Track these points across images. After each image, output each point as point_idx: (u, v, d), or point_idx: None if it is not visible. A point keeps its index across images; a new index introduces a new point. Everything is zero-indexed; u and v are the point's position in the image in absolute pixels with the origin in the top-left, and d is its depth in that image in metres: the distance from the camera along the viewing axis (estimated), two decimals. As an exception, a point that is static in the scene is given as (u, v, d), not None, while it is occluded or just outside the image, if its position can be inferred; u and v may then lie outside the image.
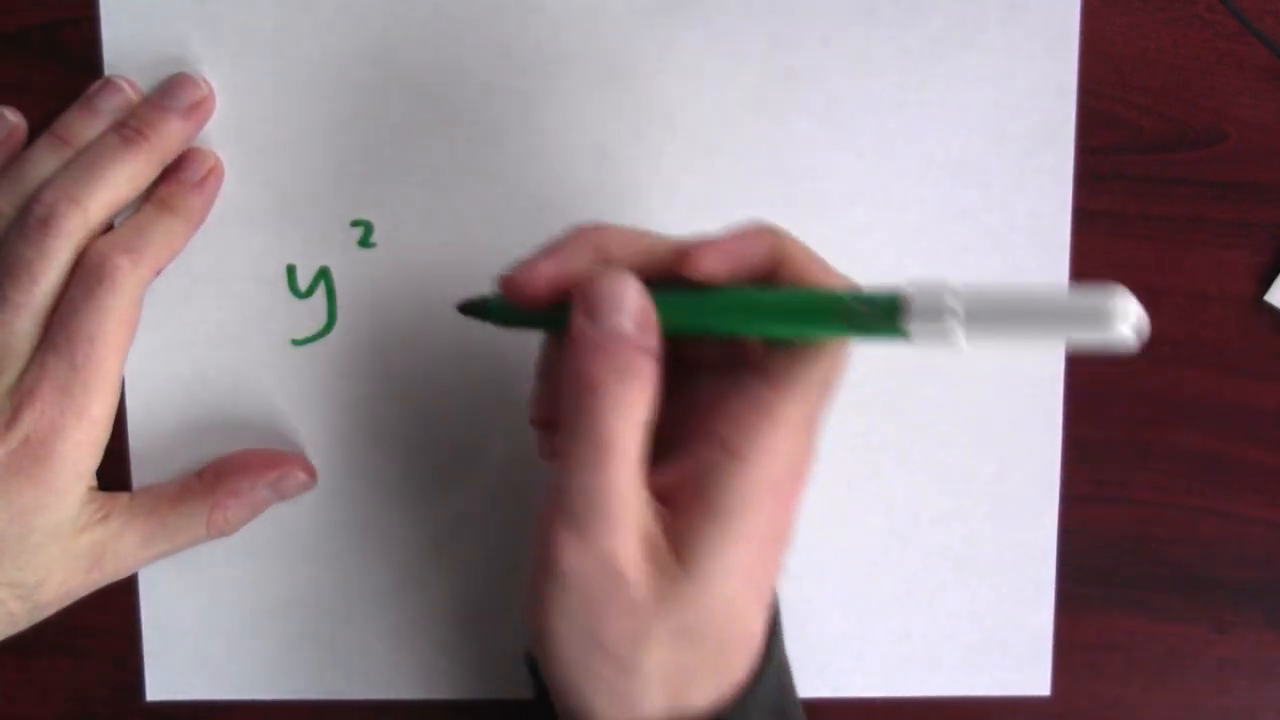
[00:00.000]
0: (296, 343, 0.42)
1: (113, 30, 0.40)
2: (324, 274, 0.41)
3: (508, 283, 0.34)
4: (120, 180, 0.38)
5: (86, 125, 0.39)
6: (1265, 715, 0.44)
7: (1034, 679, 0.43)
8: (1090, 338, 0.27)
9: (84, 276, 0.37)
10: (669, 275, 0.33)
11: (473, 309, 0.37)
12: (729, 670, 0.33)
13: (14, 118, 0.40)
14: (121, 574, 0.40)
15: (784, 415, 0.32)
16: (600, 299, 0.32)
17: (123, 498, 0.40)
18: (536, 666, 0.35)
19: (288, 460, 0.41)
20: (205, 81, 0.40)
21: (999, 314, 0.29)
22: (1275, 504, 0.43)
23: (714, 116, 0.41)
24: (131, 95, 0.40)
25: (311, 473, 0.42)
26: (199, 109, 0.40)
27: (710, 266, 0.32)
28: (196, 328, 0.41)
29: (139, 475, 0.42)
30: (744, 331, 0.33)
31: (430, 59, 0.41)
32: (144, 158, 0.39)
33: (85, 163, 0.38)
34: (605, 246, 0.34)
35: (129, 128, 0.39)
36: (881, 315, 0.30)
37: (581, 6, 0.41)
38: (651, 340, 0.32)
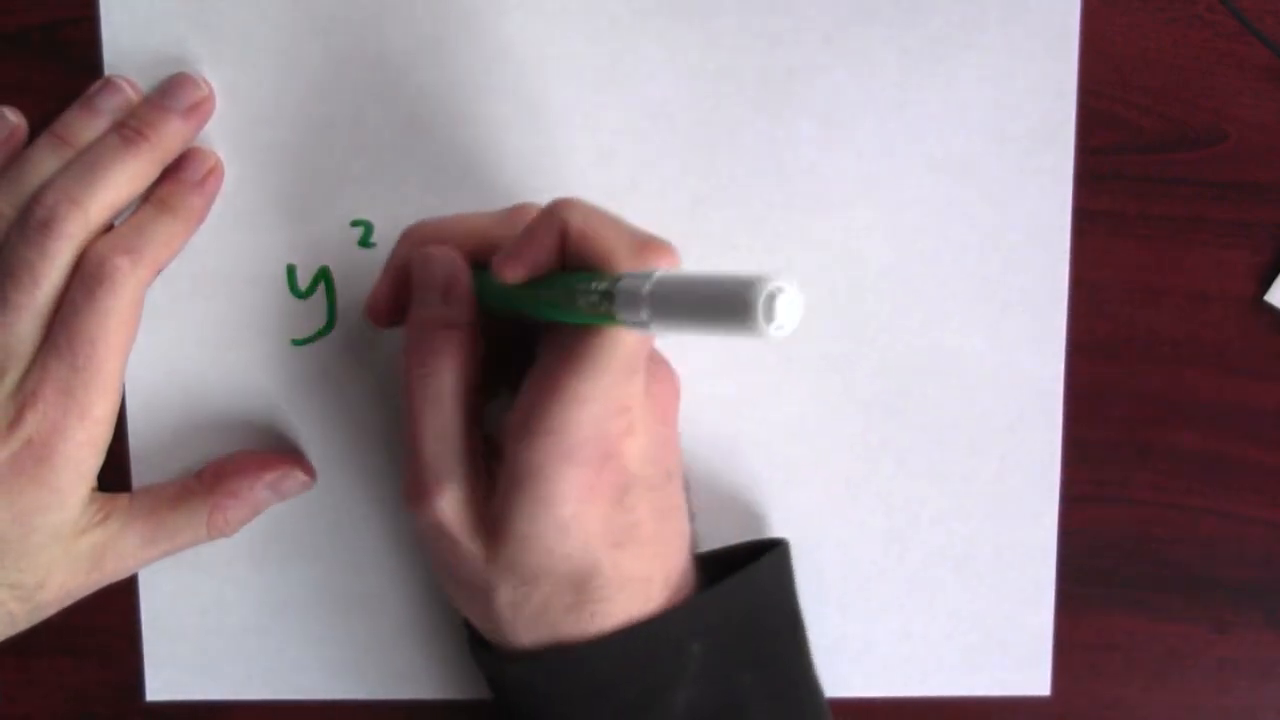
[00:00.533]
0: (296, 343, 0.42)
1: (113, 30, 0.40)
2: (324, 274, 0.41)
3: (366, 313, 0.38)
4: (121, 181, 0.38)
5: (86, 125, 0.39)
6: (1265, 715, 0.44)
7: (1034, 679, 0.43)
8: (741, 332, 0.26)
9: (84, 278, 0.37)
10: (487, 254, 0.35)
11: None
12: (609, 603, 0.35)
13: (14, 118, 0.40)
14: (122, 575, 0.40)
15: (573, 391, 0.33)
16: (416, 280, 0.36)
17: (123, 499, 0.40)
18: (466, 626, 0.39)
19: (287, 461, 0.41)
20: (205, 81, 0.40)
21: (675, 305, 0.28)
22: (1275, 504, 0.43)
23: (714, 116, 0.41)
24: (131, 95, 0.40)
25: (311, 473, 0.42)
26: (199, 109, 0.40)
27: (512, 276, 0.34)
28: (196, 328, 0.41)
29: (139, 475, 0.42)
30: (528, 314, 0.34)
31: (430, 59, 0.41)
32: (144, 158, 0.39)
33: (86, 163, 0.38)
34: (429, 240, 0.36)
35: (129, 128, 0.39)
36: (598, 305, 0.30)
37: (581, 6, 0.41)
38: (454, 312, 0.35)
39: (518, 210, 0.37)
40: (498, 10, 0.41)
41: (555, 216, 0.33)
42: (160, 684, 0.43)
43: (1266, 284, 0.42)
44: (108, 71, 0.40)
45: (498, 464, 0.35)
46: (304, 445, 0.42)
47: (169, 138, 0.39)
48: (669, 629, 0.36)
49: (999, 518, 0.42)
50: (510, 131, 0.41)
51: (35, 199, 0.38)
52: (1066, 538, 0.43)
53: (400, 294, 0.37)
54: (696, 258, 0.41)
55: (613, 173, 0.41)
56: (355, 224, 0.41)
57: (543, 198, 0.41)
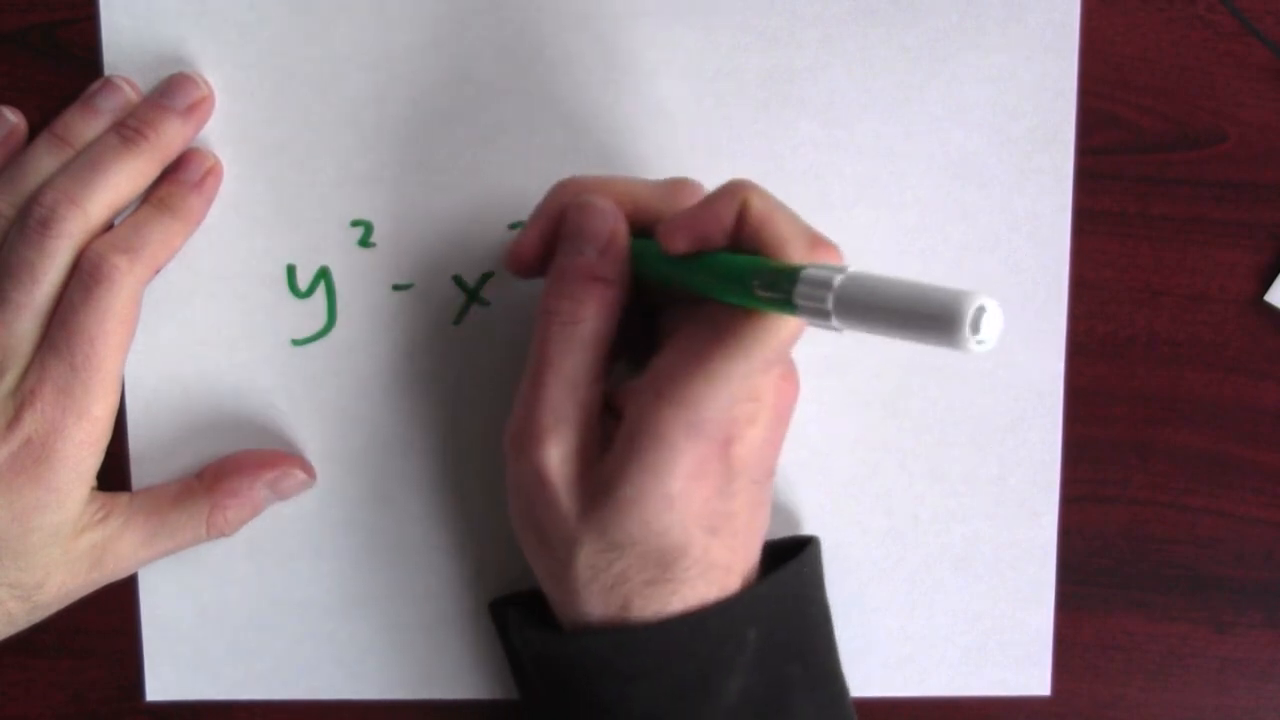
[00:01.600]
0: (296, 343, 0.42)
1: (112, 30, 0.40)
2: (324, 274, 0.41)
3: (508, 261, 0.38)
4: (120, 180, 0.38)
5: (86, 125, 0.39)
6: (1265, 715, 0.44)
7: (1034, 679, 0.43)
8: (941, 342, 0.27)
9: (82, 277, 0.37)
10: (642, 220, 0.36)
11: None
12: (683, 585, 0.35)
13: (14, 117, 0.40)
14: (121, 574, 0.40)
15: (716, 369, 0.33)
16: (570, 225, 0.36)
17: (122, 498, 0.40)
18: (493, 611, 0.40)
19: (286, 460, 0.41)
20: (205, 81, 0.40)
21: (867, 305, 0.28)
22: (1275, 504, 0.43)
23: (714, 116, 0.41)
24: (131, 95, 0.40)
25: (310, 472, 0.42)
26: (199, 108, 0.40)
27: (679, 246, 0.34)
28: (196, 328, 0.41)
29: (139, 475, 0.42)
30: (696, 292, 0.34)
31: (430, 59, 0.41)
32: (144, 157, 0.39)
33: (85, 163, 0.38)
34: (578, 200, 0.36)
35: (129, 128, 0.39)
36: (775, 290, 0.31)
37: (581, 6, 0.41)
38: (608, 269, 0.35)
39: (677, 184, 0.37)
40: (498, 10, 0.41)
41: (735, 196, 0.33)
42: (160, 684, 0.43)
43: (1266, 284, 0.42)
44: (107, 71, 0.40)
45: (613, 425, 0.35)
46: (304, 445, 0.42)
47: (169, 137, 0.39)
48: (733, 616, 0.36)
49: (999, 518, 0.42)
50: (510, 131, 0.41)
51: (35, 198, 0.38)
52: (1066, 538, 0.43)
53: (548, 244, 0.37)
54: (696, 258, 0.42)
55: (613, 173, 0.41)
56: (355, 224, 0.41)
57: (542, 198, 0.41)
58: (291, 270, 0.41)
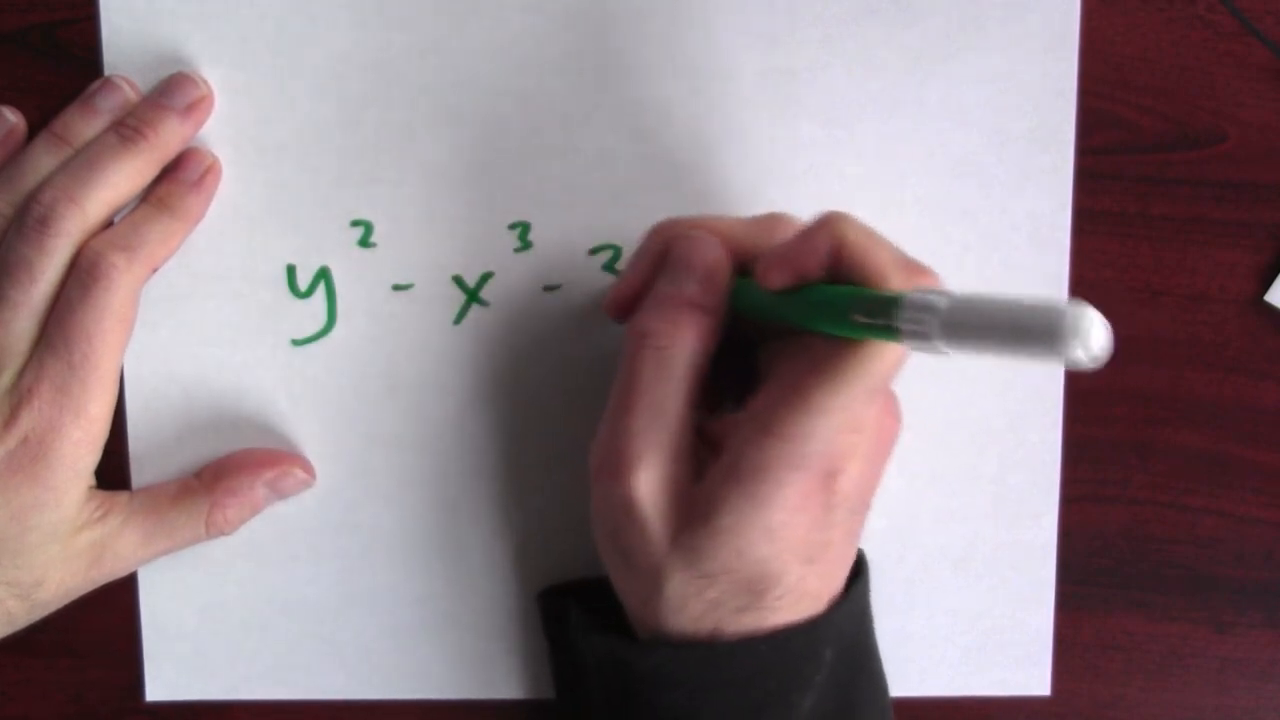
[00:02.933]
0: (296, 343, 0.42)
1: (112, 30, 0.40)
2: (324, 274, 0.41)
3: (609, 306, 0.38)
4: (119, 179, 0.38)
5: (85, 124, 0.39)
6: (1265, 715, 0.44)
7: (1034, 679, 0.43)
8: (1050, 358, 0.27)
9: (79, 275, 0.37)
10: (740, 256, 0.36)
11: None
12: (773, 612, 0.35)
13: (13, 117, 0.40)
14: (121, 573, 0.40)
15: (818, 401, 0.33)
16: (673, 260, 0.36)
17: (122, 496, 0.40)
18: (544, 604, 0.40)
19: (286, 459, 0.41)
20: (205, 81, 0.40)
21: (973, 325, 0.28)
22: (1275, 504, 0.43)
23: (714, 116, 0.41)
24: (130, 95, 0.40)
25: (310, 471, 0.42)
26: (198, 108, 0.40)
27: (776, 281, 0.34)
28: (196, 328, 0.41)
29: (138, 475, 0.42)
30: (795, 326, 0.34)
31: (430, 59, 0.41)
32: (144, 157, 0.39)
33: (84, 162, 0.38)
34: (676, 234, 0.36)
35: (128, 127, 0.39)
36: (875, 317, 0.31)
37: (581, 6, 0.41)
38: (708, 299, 0.35)
39: (771, 219, 0.37)
40: (498, 10, 0.41)
41: (829, 229, 0.33)
42: (160, 684, 0.43)
43: (1266, 284, 0.42)
44: (107, 71, 0.40)
45: (710, 455, 0.35)
46: (304, 445, 0.42)
47: (168, 136, 0.39)
48: (816, 636, 0.36)
49: (999, 518, 0.42)
50: (511, 132, 0.41)
51: (34, 197, 0.38)
52: (1066, 538, 0.43)
53: (649, 286, 0.37)
54: (696, 258, 0.42)
55: (613, 172, 0.41)
56: (355, 224, 0.41)
57: (542, 198, 0.41)
58: (291, 270, 0.41)
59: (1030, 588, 0.43)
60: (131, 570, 0.41)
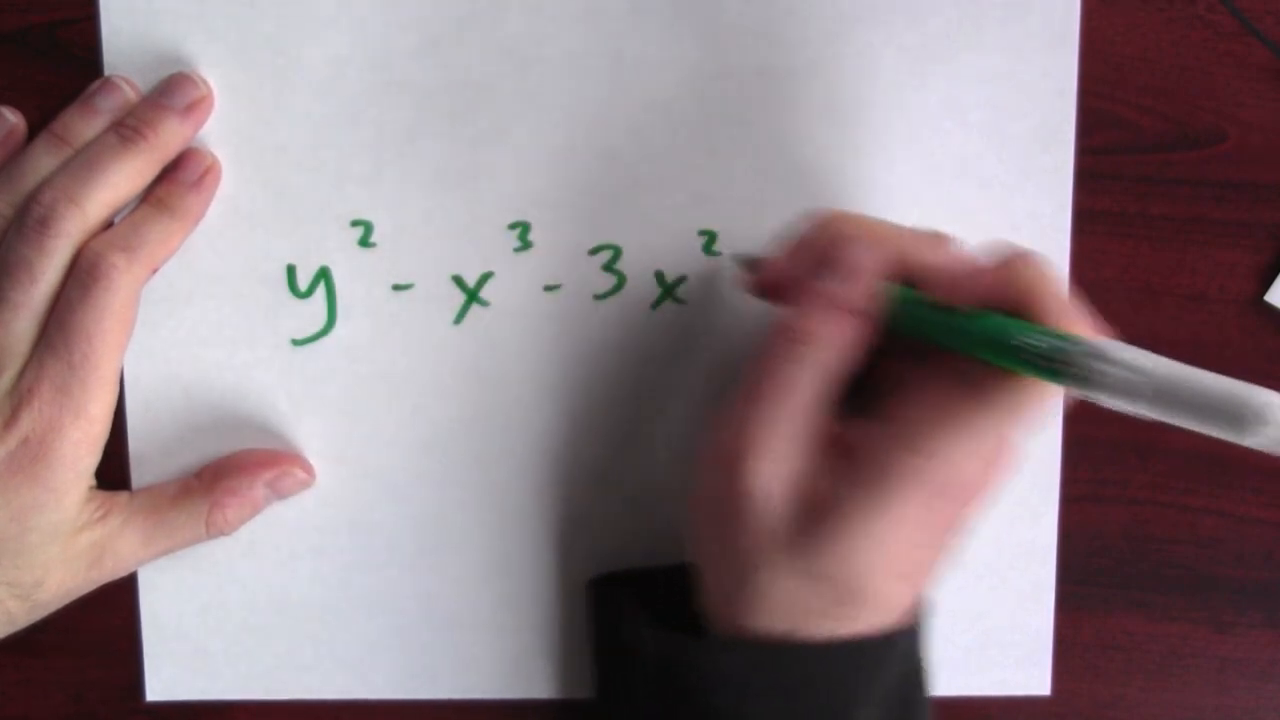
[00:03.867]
0: (297, 343, 0.42)
1: (112, 30, 0.40)
2: (324, 274, 0.41)
3: (757, 284, 0.37)
4: (119, 180, 0.38)
5: (85, 125, 0.39)
6: (1265, 715, 0.44)
7: (1034, 679, 0.43)
8: (1227, 435, 0.28)
9: (80, 276, 0.37)
10: (899, 268, 0.35)
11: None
12: (851, 622, 0.35)
13: (13, 117, 0.40)
14: (121, 573, 0.40)
15: (970, 427, 0.33)
16: (830, 258, 0.35)
17: (122, 496, 0.40)
18: (596, 594, 0.40)
19: (285, 459, 0.41)
20: (205, 81, 0.40)
21: (1161, 394, 0.29)
22: (1275, 504, 0.43)
23: (715, 116, 0.41)
24: (130, 95, 0.40)
25: (310, 471, 0.42)
26: (198, 108, 0.40)
27: (958, 299, 0.34)
28: (196, 328, 0.41)
29: (138, 475, 0.42)
30: (951, 347, 0.34)
31: (430, 59, 0.41)
32: (144, 157, 0.39)
33: (84, 162, 0.38)
34: (842, 233, 0.36)
35: (128, 127, 0.39)
36: (1046, 358, 0.31)
37: (581, 6, 0.41)
38: (860, 303, 0.35)
39: (934, 235, 0.37)
40: (498, 10, 0.41)
41: (1015, 262, 0.33)
42: (160, 684, 0.43)
43: (1266, 284, 0.42)
44: (107, 71, 0.40)
45: (834, 460, 0.34)
46: (304, 445, 0.42)
47: (168, 137, 0.39)
48: (888, 650, 0.35)
49: (999, 518, 0.42)
50: (510, 131, 0.41)
51: (34, 197, 0.38)
52: (1066, 538, 0.43)
53: (796, 271, 0.36)
54: (695, 257, 0.41)
55: (614, 171, 0.41)
56: (355, 224, 0.41)
57: (542, 198, 0.41)
58: (291, 270, 0.41)
59: (1030, 588, 0.43)
60: (131, 570, 0.41)
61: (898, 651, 0.36)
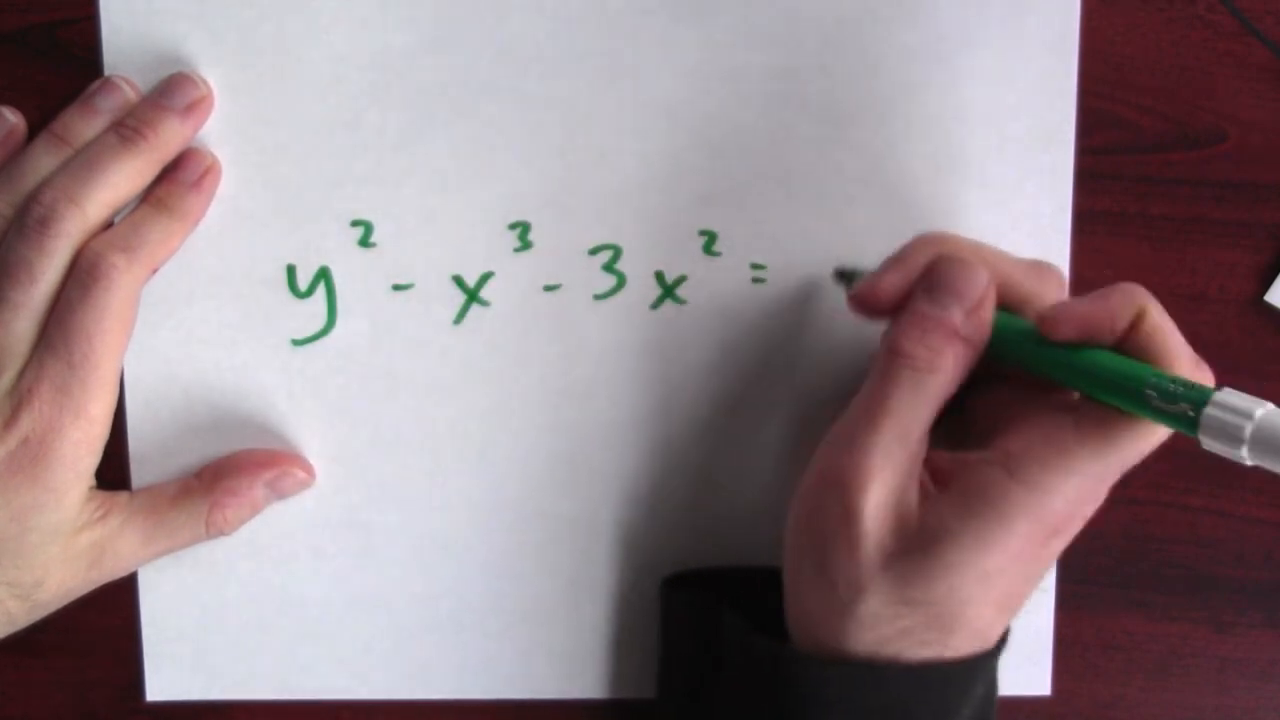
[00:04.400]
0: (297, 343, 0.42)
1: (113, 30, 0.40)
2: (324, 274, 0.41)
3: (857, 298, 0.37)
4: (119, 180, 0.38)
5: (85, 124, 0.39)
6: (1265, 715, 0.44)
7: (1034, 679, 0.43)
8: None
9: (80, 276, 0.37)
10: (1004, 296, 0.36)
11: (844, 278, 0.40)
12: (944, 647, 0.35)
13: (13, 117, 0.40)
14: (120, 573, 0.40)
15: (1080, 464, 0.34)
16: (938, 278, 0.35)
17: (122, 497, 0.40)
18: (665, 594, 0.41)
19: (285, 459, 0.41)
20: (204, 81, 0.40)
21: (1263, 442, 0.30)
22: (1275, 504, 0.43)
23: (714, 116, 0.41)
24: (130, 95, 0.40)
25: (309, 472, 0.42)
26: (198, 108, 0.40)
27: (1064, 334, 0.34)
28: (196, 328, 0.41)
29: (139, 475, 0.42)
30: (1059, 381, 0.35)
31: (430, 59, 0.41)
32: (143, 157, 0.39)
33: (84, 162, 0.38)
34: (955, 257, 0.36)
35: (128, 127, 0.39)
36: (1173, 414, 0.32)
37: (581, 6, 0.41)
38: (973, 331, 0.35)
39: (1042, 266, 0.37)
40: (498, 10, 0.41)
41: (1133, 300, 0.34)
42: (160, 684, 0.43)
43: (1266, 284, 0.42)
44: (107, 71, 0.40)
45: (942, 487, 0.35)
46: (304, 445, 0.42)
47: (168, 137, 0.39)
48: (976, 673, 0.36)
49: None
50: (510, 131, 0.41)
51: (34, 197, 0.38)
52: (1066, 538, 0.43)
53: (906, 290, 0.36)
54: (695, 257, 0.41)
55: (614, 171, 0.41)
56: (355, 224, 0.41)
57: (542, 197, 0.41)
58: (291, 270, 0.41)
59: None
60: (131, 571, 0.41)
61: (984, 674, 0.36)
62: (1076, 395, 0.35)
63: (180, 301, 0.41)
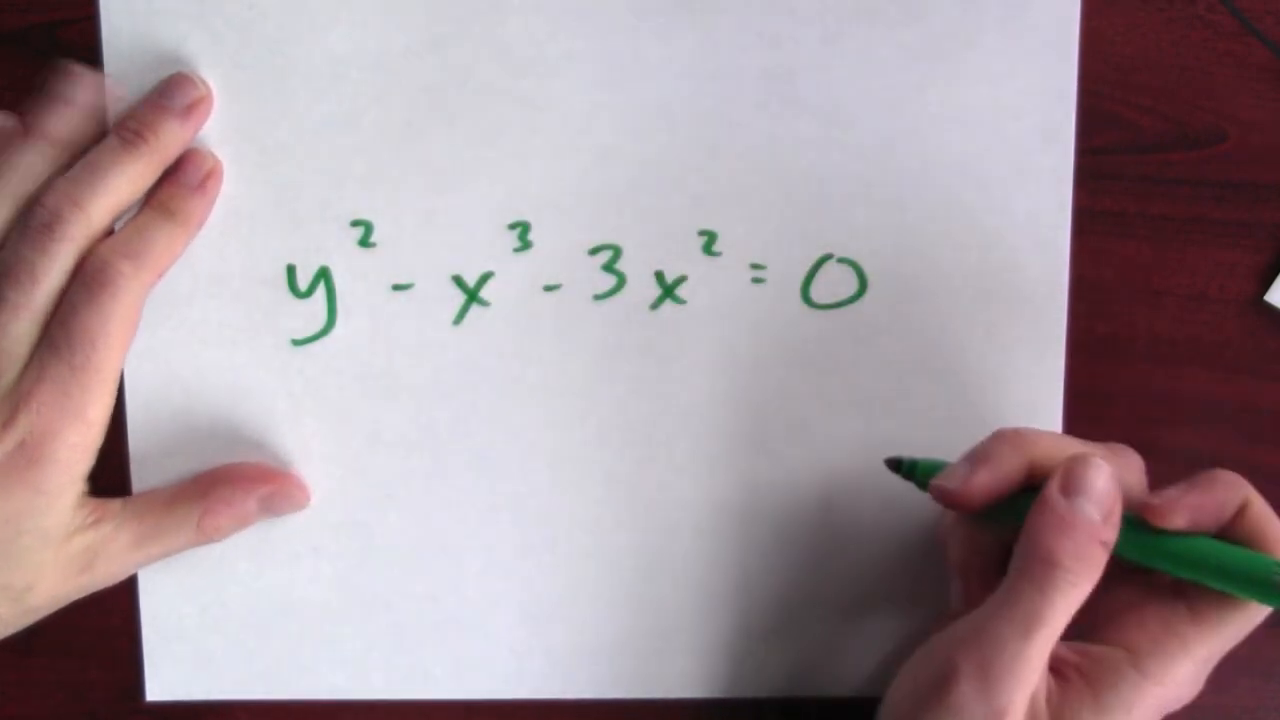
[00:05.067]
0: (296, 343, 0.42)
1: (112, 30, 0.40)
2: (324, 274, 0.41)
3: (943, 493, 0.37)
4: (122, 184, 0.39)
5: (57, 117, 0.39)
6: (1265, 715, 0.44)
7: (1034, 679, 0.43)
8: None
9: (86, 281, 0.37)
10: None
11: (900, 469, 0.39)
12: None
13: (6, 120, 0.40)
14: (113, 579, 0.40)
15: (1198, 651, 0.35)
16: (1078, 480, 0.35)
17: (115, 503, 0.40)
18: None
19: (280, 477, 0.41)
20: (204, 81, 0.40)
21: None
22: (1275, 504, 0.43)
23: (714, 116, 0.41)
24: (82, 74, 0.40)
25: (304, 491, 0.42)
26: (197, 109, 0.40)
27: (1176, 523, 0.35)
28: (196, 328, 0.41)
29: (138, 475, 0.42)
30: (1176, 574, 0.36)
31: (430, 59, 0.41)
32: (145, 160, 0.39)
33: (86, 166, 0.38)
34: (1032, 451, 0.37)
35: (129, 130, 0.39)
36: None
37: (581, 6, 0.41)
38: (1110, 534, 0.35)
39: (1123, 450, 0.38)
40: (498, 10, 0.41)
41: (1238, 490, 0.35)
42: (160, 684, 0.43)
43: (1266, 284, 0.42)
44: (107, 70, 0.40)
45: (1068, 681, 0.36)
46: (304, 445, 0.42)
47: (168, 139, 0.39)
48: None
49: (999, 518, 0.42)
50: (510, 131, 0.41)
51: (38, 201, 0.38)
52: (1066, 538, 0.43)
53: (994, 491, 0.37)
54: (694, 257, 0.41)
55: (613, 173, 0.41)
56: (355, 224, 0.41)
57: (542, 198, 0.41)
58: (291, 270, 0.41)
59: (1030, 588, 0.43)
60: (123, 577, 0.41)
61: None
62: (1169, 579, 0.36)
63: (180, 301, 0.41)
